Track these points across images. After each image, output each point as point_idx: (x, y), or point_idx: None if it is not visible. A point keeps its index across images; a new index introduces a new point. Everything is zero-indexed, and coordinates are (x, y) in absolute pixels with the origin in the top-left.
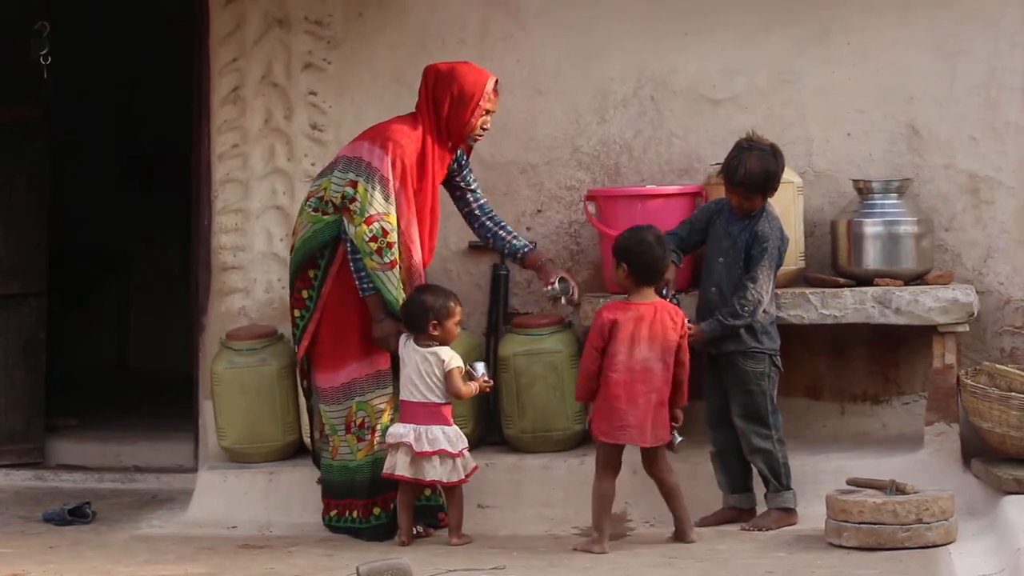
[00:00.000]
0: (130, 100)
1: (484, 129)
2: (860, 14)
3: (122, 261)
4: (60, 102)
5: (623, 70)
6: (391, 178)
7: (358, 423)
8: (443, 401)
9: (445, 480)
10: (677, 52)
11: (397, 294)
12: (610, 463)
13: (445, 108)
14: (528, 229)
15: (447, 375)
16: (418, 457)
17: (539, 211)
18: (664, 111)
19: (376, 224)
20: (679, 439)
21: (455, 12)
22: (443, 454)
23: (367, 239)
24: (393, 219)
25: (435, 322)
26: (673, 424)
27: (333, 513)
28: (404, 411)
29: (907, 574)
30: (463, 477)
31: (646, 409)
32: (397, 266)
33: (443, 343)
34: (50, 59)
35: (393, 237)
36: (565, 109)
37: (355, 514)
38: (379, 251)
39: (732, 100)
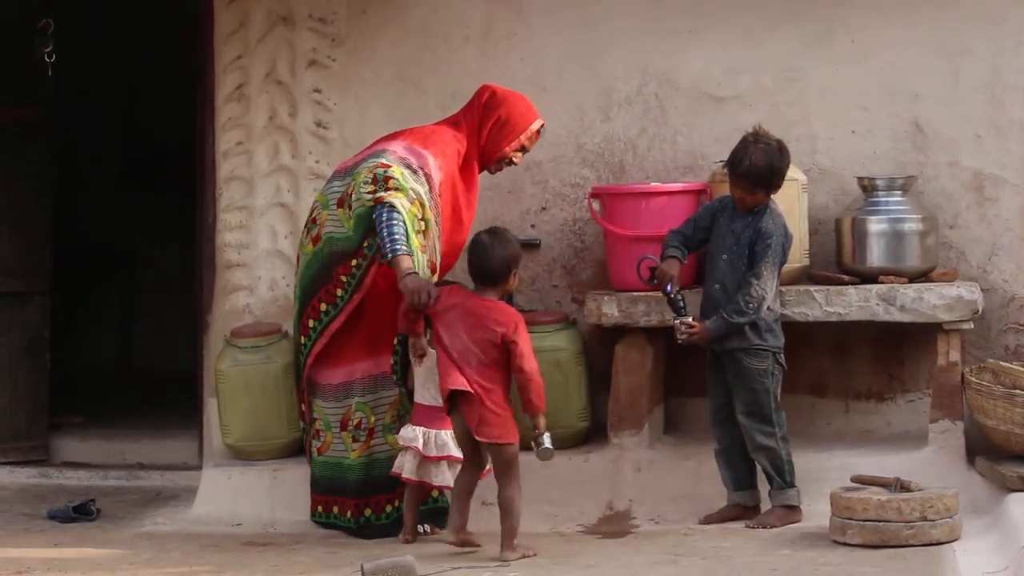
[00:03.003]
0: (130, 100)
1: (512, 163)
2: (864, 13)
3: (123, 261)
4: (60, 102)
5: (627, 68)
6: (434, 178)
7: (355, 423)
8: None
9: (452, 486)
10: (681, 50)
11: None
12: (463, 454)
13: (488, 128)
14: (533, 227)
15: None
16: (425, 461)
17: (544, 208)
18: (668, 109)
19: (417, 210)
20: (543, 445)
21: (458, 10)
22: (451, 460)
23: (419, 218)
24: (428, 212)
25: None
26: (535, 431)
27: (319, 509)
28: (416, 414)
29: (911, 572)
30: None
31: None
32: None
33: None
34: (54, 56)
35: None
36: (569, 107)
37: (348, 514)
38: (422, 232)
39: (736, 98)
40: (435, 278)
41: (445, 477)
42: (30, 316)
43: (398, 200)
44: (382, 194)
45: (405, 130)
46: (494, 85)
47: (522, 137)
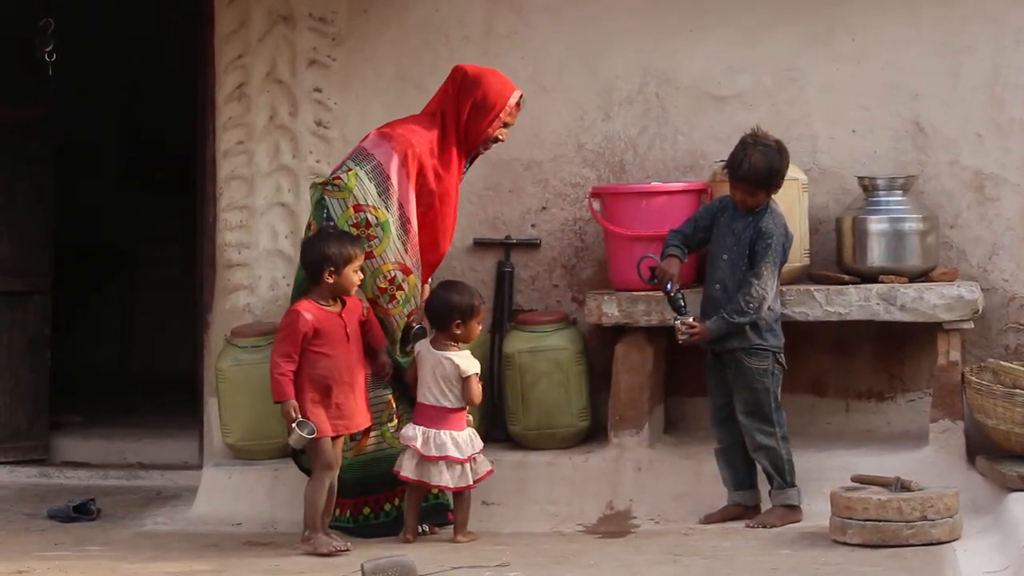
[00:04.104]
0: (130, 100)
1: (499, 140)
2: (864, 11)
3: (123, 261)
4: (61, 102)
5: (628, 67)
6: (392, 175)
7: None
8: (455, 406)
9: (452, 486)
10: (682, 49)
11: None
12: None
13: (465, 112)
14: (533, 226)
15: (466, 381)
16: (424, 460)
17: (544, 208)
18: (669, 108)
19: (362, 214)
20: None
21: (459, 9)
22: (449, 460)
23: (350, 224)
24: (382, 214)
25: (459, 321)
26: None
27: None
28: (417, 413)
29: (912, 571)
30: (471, 483)
31: None
32: (375, 258)
33: (464, 341)
34: (55, 56)
35: (375, 232)
36: (570, 106)
37: (347, 513)
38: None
39: (737, 97)
40: (414, 279)
41: (444, 477)
42: (30, 315)
43: (332, 201)
44: (331, 202)
45: (380, 127)
46: (466, 65)
47: (502, 115)
